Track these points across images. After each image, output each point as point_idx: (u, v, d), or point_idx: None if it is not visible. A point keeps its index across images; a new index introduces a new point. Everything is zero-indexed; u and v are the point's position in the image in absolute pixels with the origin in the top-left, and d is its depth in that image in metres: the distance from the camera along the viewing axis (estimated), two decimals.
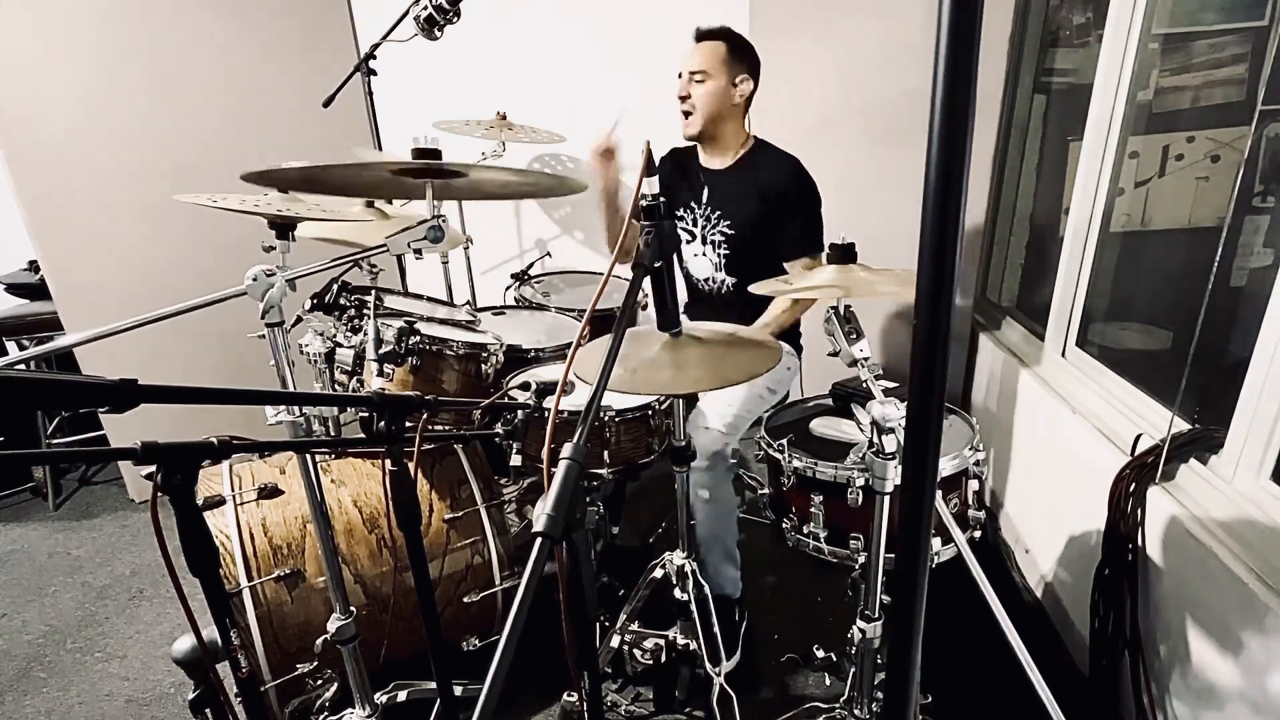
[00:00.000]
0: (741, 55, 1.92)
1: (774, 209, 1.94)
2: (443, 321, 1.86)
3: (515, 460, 1.65)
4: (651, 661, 1.79)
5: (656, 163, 1.80)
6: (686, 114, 1.94)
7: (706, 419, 1.82)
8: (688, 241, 2.12)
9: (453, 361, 1.75)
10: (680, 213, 2.10)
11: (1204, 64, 1.83)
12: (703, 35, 1.93)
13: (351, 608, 1.44)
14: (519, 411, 1.63)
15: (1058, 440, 2.00)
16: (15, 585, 2.46)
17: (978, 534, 1.48)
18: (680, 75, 1.93)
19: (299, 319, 1.63)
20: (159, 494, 0.88)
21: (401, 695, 1.68)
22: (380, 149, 2.74)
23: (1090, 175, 1.96)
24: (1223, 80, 1.81)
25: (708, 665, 1.73)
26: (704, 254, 2.08)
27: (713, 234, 2.03)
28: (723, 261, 2.05)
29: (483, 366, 1.79)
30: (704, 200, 2.04)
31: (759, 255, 1.99)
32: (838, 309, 1.30)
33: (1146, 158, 1.95)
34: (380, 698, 1.61)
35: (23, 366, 2.14)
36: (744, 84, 1.93)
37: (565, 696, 1.74)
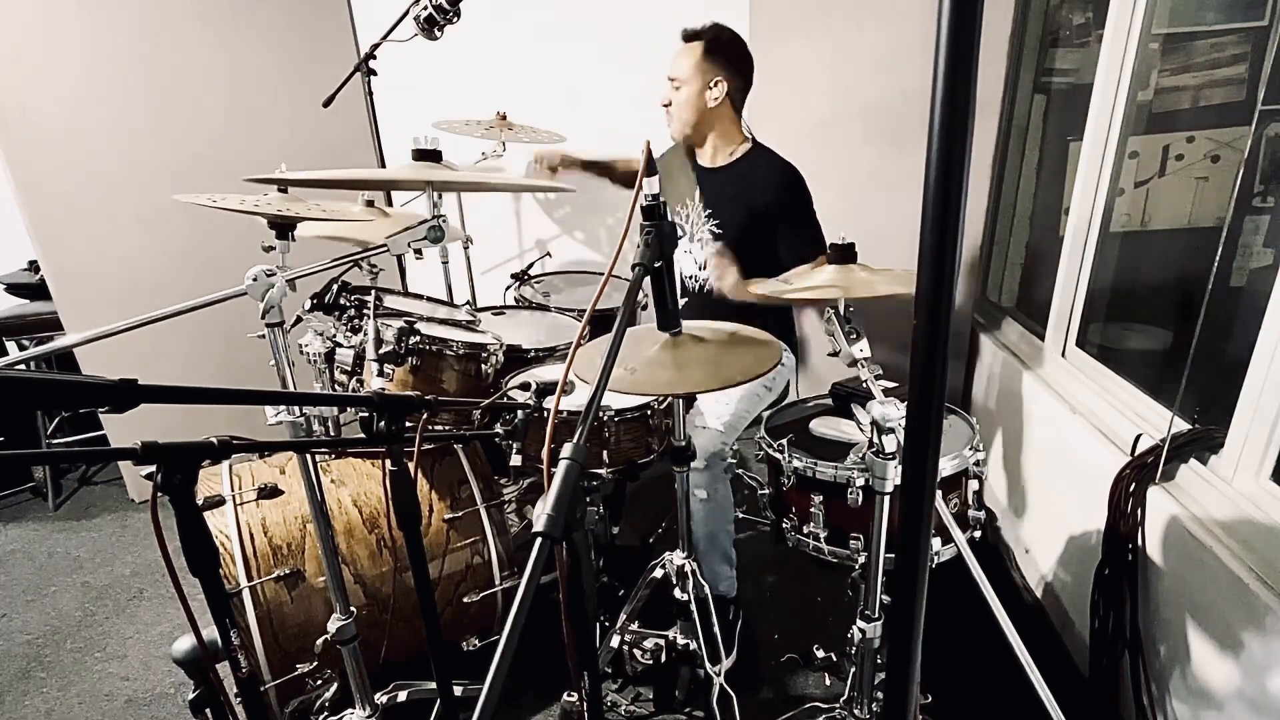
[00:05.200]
0: (719, 57, 1.89)
1: (765, 218, 1.92)
2: (443, 321, 1.85)
3: (515, 460, 1.65)
4: (651, 661, 1.79)
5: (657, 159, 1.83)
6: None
7: (705, 418, 1.81)
8: (679, 238, 2.12)
9: (453, 361, 1.74)
10: (676, 208, 2.10)
11: (1204, 64, 1.83)
12: (687, 37, 1.91)
13: (351, 608, 1.44)
14: (519, 411, 1.64)
15: (1058, 440, 2.00)
16: (15, 585, 2.46)
17: (978, 534, 1.48)
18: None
19: (299, 319, 1.63)
20: (159, 494, 0.88)
21: (401, 695, 1.68)
22: (380, 149, 2.74)
23: (1090, 175, 1.96)
24: (1223, 80, 1.81)
25: (708, 665, 1.73)
26: (690, 251, 2.09)
27: (701, 232, 2.03)
28: (707, 260, 2.04)
29: (483, 366, 1.79)
30: (697, 198, 2.04)
31: (743, 258, 1.95)
32: (838, 309, 1.31)
33: (1146, 158, 1.95)
34: (380, 698, 1.61)
35: (23, 366, 2.14)
36: (718, 87, 1.90)
37: (565, 696, 1.74)
